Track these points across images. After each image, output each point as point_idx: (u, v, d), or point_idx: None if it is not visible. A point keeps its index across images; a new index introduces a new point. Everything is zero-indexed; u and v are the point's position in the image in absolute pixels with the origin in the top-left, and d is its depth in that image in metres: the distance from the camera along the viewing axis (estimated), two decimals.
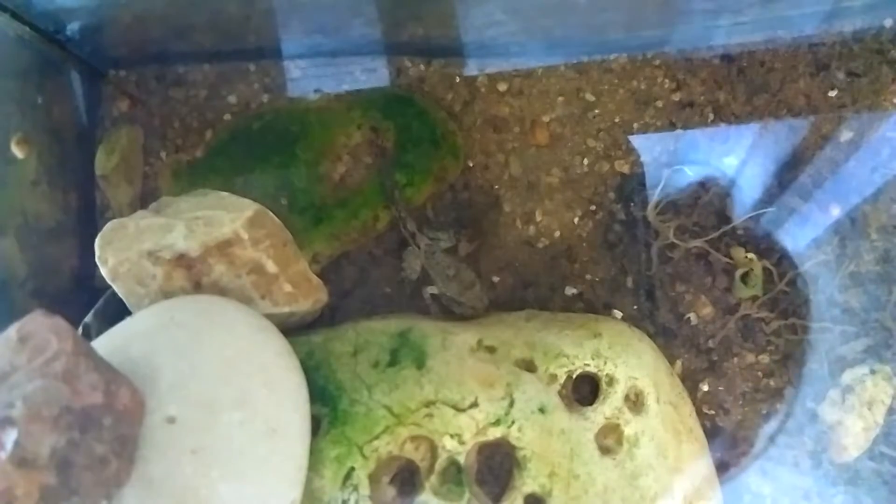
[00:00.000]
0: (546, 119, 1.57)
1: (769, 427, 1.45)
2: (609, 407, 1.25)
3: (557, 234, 1.54)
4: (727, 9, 1.45)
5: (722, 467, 1.41)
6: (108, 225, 1.29)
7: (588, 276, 1.52)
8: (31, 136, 1.42)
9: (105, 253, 1.26)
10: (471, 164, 1.57)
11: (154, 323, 1.15)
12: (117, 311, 1.28)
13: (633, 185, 1.53)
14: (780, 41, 1.54)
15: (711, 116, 1.54)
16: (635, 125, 1.55)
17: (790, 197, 1.49)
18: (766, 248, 1.48)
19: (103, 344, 1.12)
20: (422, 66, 1.61)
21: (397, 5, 1.48)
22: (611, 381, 1.27)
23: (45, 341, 0.92)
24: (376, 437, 1.17)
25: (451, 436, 1.17)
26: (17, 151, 1.31)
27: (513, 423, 1.19)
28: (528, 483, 1.17)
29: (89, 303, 1.38)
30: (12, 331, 1.01)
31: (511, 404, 1.20)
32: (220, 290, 1.27)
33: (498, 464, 1.21)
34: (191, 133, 1.61)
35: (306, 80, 1.61)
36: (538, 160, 1.56)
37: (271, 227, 1.32)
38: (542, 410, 1.21)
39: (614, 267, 1.51)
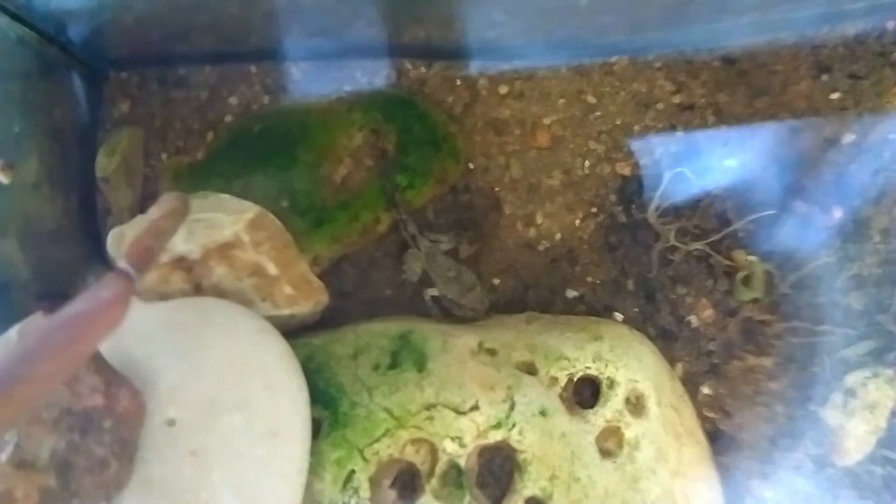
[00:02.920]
0: (547, 121, 1.57)
1: (771, 430, 1.44)
2: (610, 410, 1.25)
3: (558, 236, 1.53)
4: (728, 11, 1.45)
5: (723, 470, 1.41)
6: (109, 236, 1.31)
7: (589, 279, 1.51)
8: (31, 139, 1.42)
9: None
10: (472, 167, 1.57)
11: (155, 325, 1.15)
12: None
13: (634, 188, 1.53)
14: (781, 43, 1.53)
15: (712, 119, 1.54)
16: (636, 127, 1.55)
17: (791, 199, 1.48)
18: (768, 250, 1.47)
19: (104, 345, 1.12)
20: (423, 69, 1.61)
21: (398, 8, 1.48)
22: (612, 383, 1.27)
23: None
24: (377, 440, 1.16)
25: (452, 439, 1.17)
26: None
27: (513, 425, 1.19)
28: (529, 486, 1.17)
29: None
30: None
31: (512, 407, 1.20)
32: (221, 293, 1.27)
33: (499, 467, 1.21)
34: (192, 135, 1.60)
35: (307, 81, 1.61)
36: (539, 162, 1.56)
37: (272, 230, 1.32)
38: (542, 413, 1.21)
39: (615, 269, 1.51)
